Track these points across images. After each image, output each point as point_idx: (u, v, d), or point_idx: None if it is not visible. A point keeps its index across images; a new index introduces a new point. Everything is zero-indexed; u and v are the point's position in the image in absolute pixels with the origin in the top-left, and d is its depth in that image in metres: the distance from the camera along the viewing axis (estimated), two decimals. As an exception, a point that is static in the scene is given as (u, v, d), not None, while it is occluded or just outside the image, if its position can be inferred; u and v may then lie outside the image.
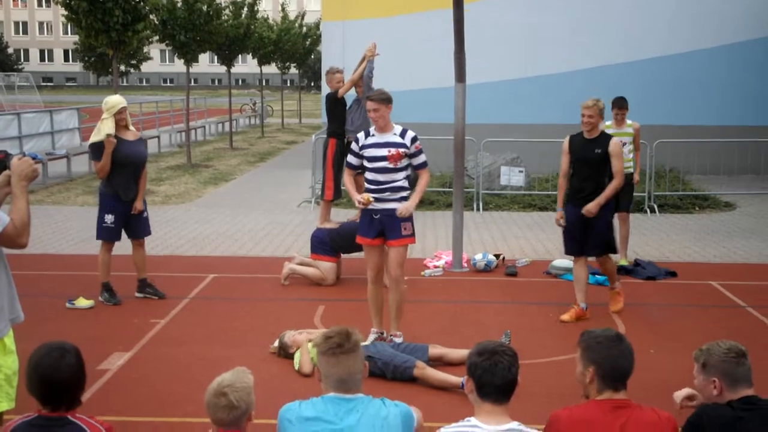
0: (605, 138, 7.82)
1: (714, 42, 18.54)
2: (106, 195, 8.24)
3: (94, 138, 8.17)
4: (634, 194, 14.73)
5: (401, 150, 6.83)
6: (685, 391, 3.88)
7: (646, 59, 18.64)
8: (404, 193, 6.89)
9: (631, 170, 10.12)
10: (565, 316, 7.83)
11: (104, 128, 8.06)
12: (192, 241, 11.22)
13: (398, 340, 6.93)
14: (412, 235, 6.96)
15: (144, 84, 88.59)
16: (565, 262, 9.83)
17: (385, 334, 7.07)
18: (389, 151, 6.82)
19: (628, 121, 10.21)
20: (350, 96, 9.78)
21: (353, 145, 7.05)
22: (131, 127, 8.38)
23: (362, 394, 3.46)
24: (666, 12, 18.52)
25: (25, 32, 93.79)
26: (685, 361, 6.66)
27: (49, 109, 23.25)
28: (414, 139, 6.90)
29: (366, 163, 6.94)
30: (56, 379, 3.35)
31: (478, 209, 14.34)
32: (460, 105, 9.86)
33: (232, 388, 3.34)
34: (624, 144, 9.62)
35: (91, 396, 5.90)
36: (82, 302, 8.23)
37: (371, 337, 7.00)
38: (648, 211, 14.29)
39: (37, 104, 41.81)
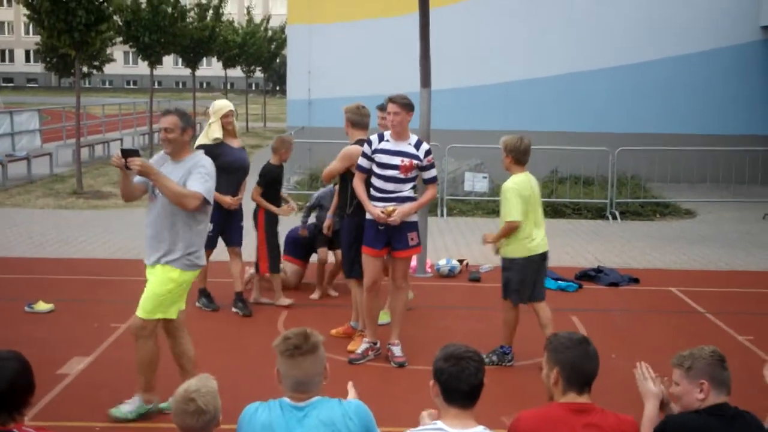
0: None
1: (676, 51, 18.80)
2: None
3: (202, 140, 8.09)
4: (597, 200, 15.04)
5: (414, 161, 6.61)
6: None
7: (609, 68, 18.84)
8: None
9: None
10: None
11: (212, 132, 8.06)
12: (154, 245, 11.08)
13: (396, 349, 6.83)
14: (419, 244, 6.85)
15: (107, 86, 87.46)
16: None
17: (378, 344, 6.97)
18: (402, 161, 6.57)
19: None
20: None
21: (365, 147, 6.69)
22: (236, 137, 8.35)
23: (319, 396, 3.45)
24: (628, 21, 18.74)
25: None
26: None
27: (10, 110, 22.84)
28: (428, 152, 6.68)
29: (375, 169, 6.64)
30: None
31: (442, 215, 14.39)
32: (425, 110, 9.89)
33: (198, 393, 3.31)
34: None
35: (51, 400, 5.83)
36: (42, 306, 8.12)
37: (363, 346, 6.89)
38: (610, 217, 14.45)
39: (-3, 105, 41.12)
